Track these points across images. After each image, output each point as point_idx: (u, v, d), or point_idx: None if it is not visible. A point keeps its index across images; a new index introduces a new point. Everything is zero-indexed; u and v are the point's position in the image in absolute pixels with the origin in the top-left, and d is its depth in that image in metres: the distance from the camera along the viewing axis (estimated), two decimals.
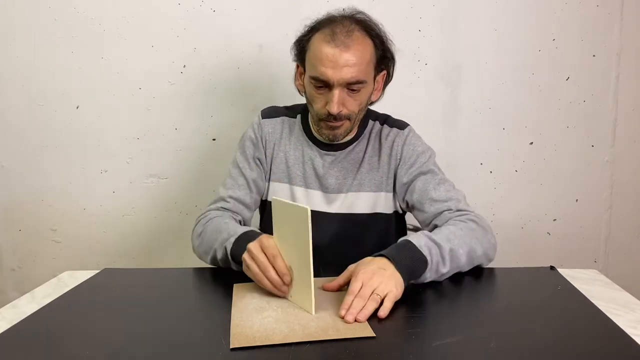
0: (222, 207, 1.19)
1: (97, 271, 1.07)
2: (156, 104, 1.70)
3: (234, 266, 1.02)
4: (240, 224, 1.14)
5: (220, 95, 1.70)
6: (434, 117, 1.75)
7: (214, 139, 1.73)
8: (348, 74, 1.02)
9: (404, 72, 1.71)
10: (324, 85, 1.05)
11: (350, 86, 1.05)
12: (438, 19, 1.69)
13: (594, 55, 1.73)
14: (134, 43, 1.66)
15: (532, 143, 1.78)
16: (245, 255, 0.92)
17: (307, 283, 0.82)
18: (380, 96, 1.18)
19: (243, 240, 0.97)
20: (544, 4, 1.69)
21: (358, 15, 1.09)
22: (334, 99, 1.04)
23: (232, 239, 1.00)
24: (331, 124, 1.09)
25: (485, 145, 1.77)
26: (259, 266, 0.88)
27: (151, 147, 1.73)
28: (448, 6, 1.68)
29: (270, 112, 1.25)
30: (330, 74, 1.03)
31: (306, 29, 1.10)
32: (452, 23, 1.69)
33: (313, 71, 1.06)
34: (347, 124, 1.10)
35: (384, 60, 1.12)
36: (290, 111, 1.25)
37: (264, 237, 0.91)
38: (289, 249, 0.87)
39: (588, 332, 0.77)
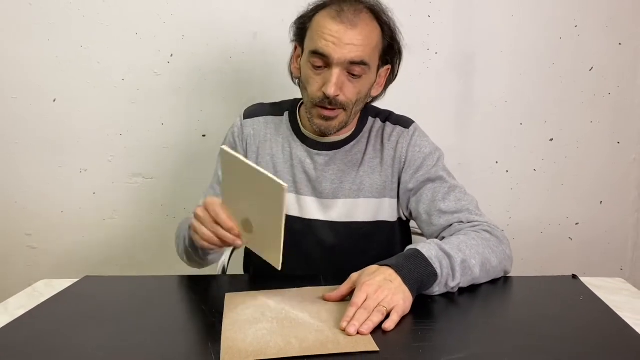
0: None
1: (76, 280, 1.07)
2: (141, 97, 1.71)
3: (197, 254, 1.07)
4: None
5: (210, 88, 1.71)
6: (444, 111, 1.75)
7: (204, 135, 1.73)
8: (352, 52, 1.02)
9: (411, 62, 1.71)
10: (323, 64, 1.05)
11: (352, 68, 1.04)
12: (450, 3, 1.69)
13: (620, 44, 1.73)
14: (116, 30, 1.66)
15: (552, 140, 1.79)
16: (192, 221, 0.96)
17: (275, 235, 0.84)
18: (381, 94, 1.18)
19: None
20: None
21: None
22: (333, 79, 1.03)
23: (190, 222, 1.03)
24: (325, 112, 1.08)
25: (501, 142, 1.78)
26: (204, 225, 0.92)
27: (135, 144, 1.73)
28: None
29: (253, 112, 1.25)
30: (332, 49, 1.02)
31: (310, 6, 1.11)
32: (465, 8, 1.69)
33: (314, 46, 1.05)
34: (342, 115, 1.09)
35: (390, 51, 1.12)
36: (277, 108, 1.24)
37: (207, 197, 0.95)
38: (245, 204, 0.89)
39: (613, 347, 0.77)
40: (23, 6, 1.64)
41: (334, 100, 1.05)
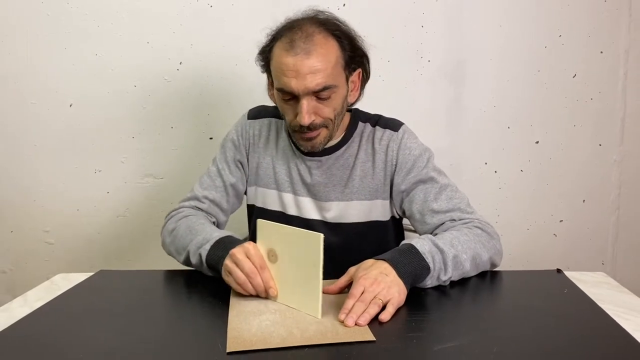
0: (196, 207, 1.18)
1: (91, 273, 1.07)
2: (152, 102, 1.71)
3: (208, 272, 1.01)
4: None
5: (217, 93, 1.70)
6: (437, 115, 1.75)
7: (210, 138, 1.73)
8: (313, 82, 0.98)
9: (406, 69, 1.72)
10: (291, 96, 1.02)
11: (319, 94, 1.01)
12: (441, 15, 1.69)
13: (601, 52, 1.73)
14: (129, 39, 1.66)
15: (537, 142, 1.79)
16: (227, 261, 0.91)
17: (313, 286, 0.83)
18: (359, 96, 1.14)
19: (220, 248, 0.96)
20: None
21: (319, 16, 1.05)
22: (303, 110, 1.00)
23: (208, 245, 0.99)
24: (306, 135, 1.05)
25: (490, 145, 1.78)
26: (244, 272, 0.88)
27: (146, 146, 1.73)
28: (452, 1, 1.68)
29: (258, 113, 1.22)
30: (294, 84, 0.99)
31: (267, 38, 1.07)
32: (456, 19, 1.69)
33: (277, 83, 1.02)
34: (324, 132, 1.07)
35: (354, 59, 1.07)
36: (279, 111, 1.20)
37: (249, 245, 0.91)
38: (284, 265, 0.88)
39: (595, 337, 0.77)
40: (41, 17, 1.65)
41: (311, 125, 1.03)
